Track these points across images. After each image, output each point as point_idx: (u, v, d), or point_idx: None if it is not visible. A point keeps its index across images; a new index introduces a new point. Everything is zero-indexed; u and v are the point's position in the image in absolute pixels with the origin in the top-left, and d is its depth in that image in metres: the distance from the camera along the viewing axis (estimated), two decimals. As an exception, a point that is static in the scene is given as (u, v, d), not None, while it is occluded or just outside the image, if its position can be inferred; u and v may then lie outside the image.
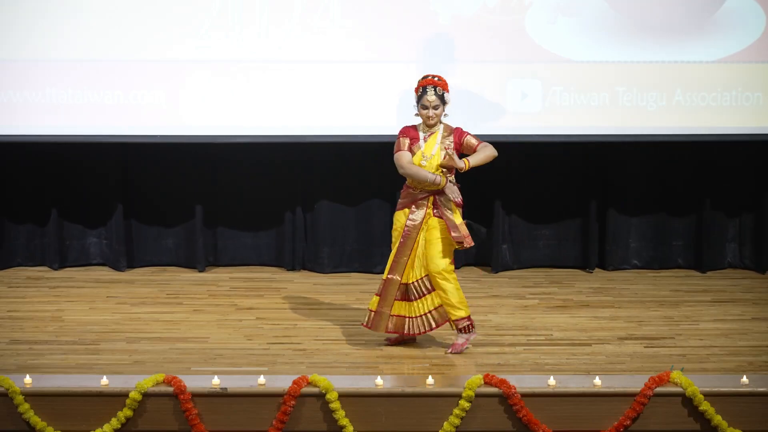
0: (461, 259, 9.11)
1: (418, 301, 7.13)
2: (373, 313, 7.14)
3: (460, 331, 7.11)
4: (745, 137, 8.69)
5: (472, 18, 8.46)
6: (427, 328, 7.15)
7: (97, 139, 8.58)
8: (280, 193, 9.03)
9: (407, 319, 7.15)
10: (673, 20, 8.52)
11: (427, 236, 7.04)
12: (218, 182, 9.04)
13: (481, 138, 8.64)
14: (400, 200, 7.14)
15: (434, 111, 6.98)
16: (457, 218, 7.05)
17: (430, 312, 7.13)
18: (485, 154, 7.08)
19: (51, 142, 8.62)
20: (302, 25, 8.43)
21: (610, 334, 7.50)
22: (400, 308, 7.14)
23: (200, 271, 8.97)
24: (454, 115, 8.54)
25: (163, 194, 9.05)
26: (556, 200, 9.11)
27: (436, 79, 7.01)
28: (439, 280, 7.03)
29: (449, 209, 7.04)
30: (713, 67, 8.57)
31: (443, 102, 7.00)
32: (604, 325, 7.70)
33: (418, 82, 7.04)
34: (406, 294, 7.13)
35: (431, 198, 7.04)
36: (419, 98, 7.00)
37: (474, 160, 7.04)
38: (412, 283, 7.11)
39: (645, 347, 7.24)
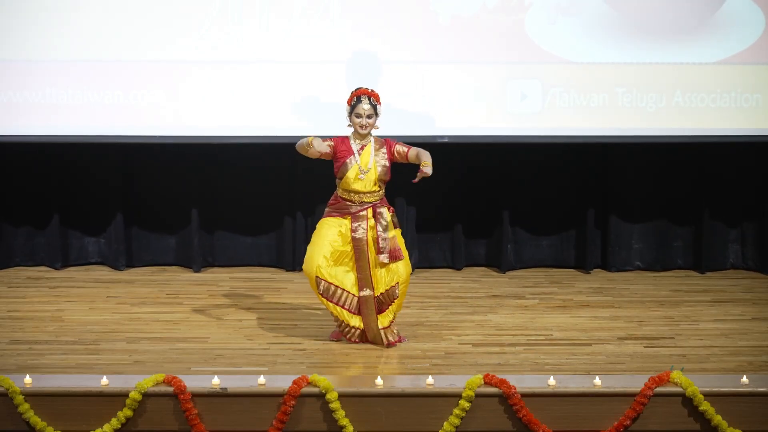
0: (463, 258, 9.11)
1: (383, 313, 7.25)
2: (359, 330, 7.25)
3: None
4: (745, 138, 8.69)
5: (472, 18, 8.47)
6: (379, 341, 7.27)
7: (97, 140, 8.58)
8: (281, 194, 9.04)
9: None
10: (672, 21, 8.52)
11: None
12: (218, 183, 9.05)
13: (481, 138, 8.70)
14: (329, 209, 7.25)
15: (368, 120, 7.11)
16: (390, 232, 7.20)
17: (385, 328, 7.25)
18: (426, 152, 7.14)
19: (50, 142, 8.62)
20: (302, 26, 8.44)
21: (610, 334, 7.50)
22: (381, 321, 7.26)
23: (195, 272, 8.97)
24: (454, 115, 8.58)
25: (162, 194, 9.06)
26: (557, 200, 9.12)
27: (369, 90, 7.16)
28: (406, 286, 7.25)
29: (384, 223, 7.17)
30: (713, 69, 8.58)
31: (376, 113, 7.13)
32: (604, 325, 7.70)
33: (351, 93, 7.15)
34: (378, 306, 7.25)
35: (370, 210, 7.18)
36: (353, 107, 7.12)
37: (427, 159, 7.08)
38: (379, 295, 7.23)
39: (645, 347, 7.24)
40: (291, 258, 9.06)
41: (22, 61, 8.42)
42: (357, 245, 7.15)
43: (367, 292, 7.19)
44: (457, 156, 9.00)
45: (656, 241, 9.16)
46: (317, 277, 7.15)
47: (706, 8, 8.54)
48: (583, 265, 9.08)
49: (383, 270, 7.20)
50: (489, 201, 9.08)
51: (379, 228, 7.16)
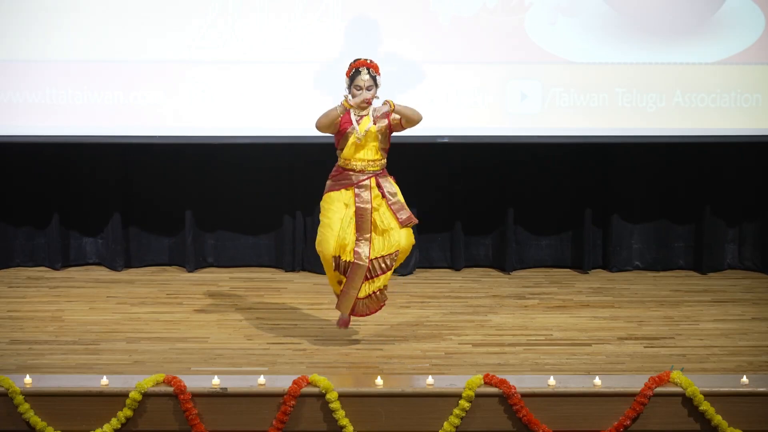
0: (463, 258, 9.11)
1: (371, 280, 7.08)
2: (338, 295, 7.09)
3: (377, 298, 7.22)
4: (745, 138, 8.69)
5: (472, 18, 8.47)
6: (366, 312, 7.13)
7: (97, 140, 8.58)
8: (281, 194, 9.03)
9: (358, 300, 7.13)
10: (672, 21, 8.52)
11: (386, 221, 7.03)
12: (218, 183, 9.04)
13: (481, 138, 8.69)
14: (331, 182, 7.09)
15: (368, 92, 6.96)
16: (399, 196, 7.08)
17: (374, 293, 7.10)
18: (411, 108, 7.03)
19: (50, 142, 8.62)
20: (302, 26, 8.43)
21: (610, 334, 7.50)
22: (365, 289, 7.11)
23: (189, 271, 8.96)
24: (454, 115, 8.58)
25: (162, 194, 9.05)
26: (557, 200, 9.11)
27: (368, 61, 7.01)
28: (405, 255, 7.10)
29: (392, 191, 7.05)
30: (713, 69, 8.58)
31: (376, 84, 6.99)
32: (604, 325, 7.70)
33: (350, 65, 7.00)
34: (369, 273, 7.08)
35: (374, 180, 7.04)
36: (352, 79, 6.97)
37: (399, 107, 6.99)
38: (374, 259, 7.05)
39: (645, 347, 7.24)
40: (291, 258, 9.06)
41: (22, 61, 8.42)
42: (360, 213, 7.00)
43: (361, 262, 7.00)
44: (457, 156, 9.00)
45: (657, 241, 9.15)
46: (334, 257, 7.01)
47: (706, 8, 8.54)
48: (583, 265, 9.07)
49: (382, 237, 7.03)
50: (489, 201, 9.07)
51: (388, 194, 7.03)
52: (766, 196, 9.07)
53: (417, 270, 9.07)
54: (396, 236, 7.04)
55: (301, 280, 8.83)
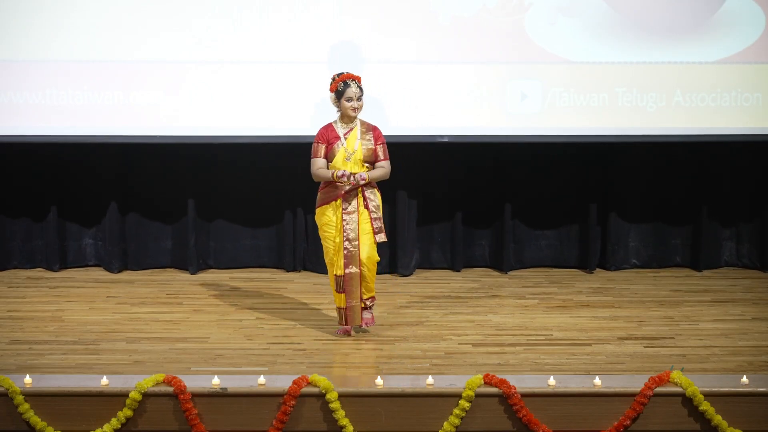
0: (463, 258, 9.10)
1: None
2: (344, 310, 7.35)
3: (371, 307, 7.45)
4: (745, 137, 8.69)
5: (472, 18, 8.47)
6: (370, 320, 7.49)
7: (96, 140, 8.58)
8: (281, 193, 9.03)
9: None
10: (672, 21, 8.52)
11: (362, 227, 7.27)
12: (217, 183, 9.04)
13: (481, 138, 8.70)
14: (321, 195, 7.32)
15: (358, 102, 7.23)
16: (380, 212, 7.32)
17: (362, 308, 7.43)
18: (381, 173, 7.28)
19: (50, 142, 8.62)
20: (301, 26, 8.44)
21: (610, 334, 7.50)
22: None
23: (192, 274, 8.95)
24: (454, 115, 8.58)
25: (162, 196, 9.05)
26: (557, 200, 9.11)
27: (353, 74, 7.30)
28: (371, 268, 7.31)
29: (376, 204, 7.28)
30: (713, 68, 8.58)
31: (362, 94, 7.28)
32: (604, 325, 7.70)
33: (336, 79, 7.26)
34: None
35: (360, 190, 7.26)
36: (342, 92, 7.23)
37: (373, 175, 7.25)
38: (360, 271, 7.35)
39: (645, 347, 7.24)
40: (291, 258, 9.05)
41: (22, 61, 8.42)
42: (347, 220, 7.24)
43: (353, 269, 7.27)
44: (457, 156, 9.00)
45: (655, 240, 9.15)
46: (335, 275, 7.35)
47: (706, 8, 8.54)
48: (582, 265, 9.07)
49: (365, 246, 7.27)
50: (489, 201, 9.07)
51: (372, 209, 7.26)
52: (766, 195, 9.07)
53: (417, 270, 9.07)
54: (368, 248, 7.29)
55: (301, 279, 8.83)
